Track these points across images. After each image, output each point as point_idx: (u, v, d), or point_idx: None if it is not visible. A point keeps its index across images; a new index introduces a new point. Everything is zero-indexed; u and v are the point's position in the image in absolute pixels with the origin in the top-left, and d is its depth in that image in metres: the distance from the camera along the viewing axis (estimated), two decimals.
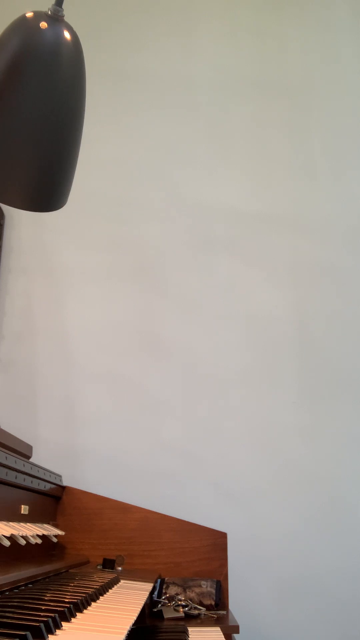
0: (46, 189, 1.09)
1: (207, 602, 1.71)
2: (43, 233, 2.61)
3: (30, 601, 0.91)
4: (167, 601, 1.70)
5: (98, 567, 1.73)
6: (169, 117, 2.78)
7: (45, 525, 1.73)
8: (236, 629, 1.51)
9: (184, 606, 1.66)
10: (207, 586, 1.75)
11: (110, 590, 1.26)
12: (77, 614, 0.90)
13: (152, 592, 1.68)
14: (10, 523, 1.36)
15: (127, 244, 2.62)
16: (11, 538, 1.23)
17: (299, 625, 2.30)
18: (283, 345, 2.56)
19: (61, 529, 1.87)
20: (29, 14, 1.02)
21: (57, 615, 0.80)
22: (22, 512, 1.53)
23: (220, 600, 1.77)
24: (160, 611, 1.63)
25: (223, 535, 1.95)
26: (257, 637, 2.27)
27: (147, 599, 1.36)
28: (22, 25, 1.01)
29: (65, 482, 2.03)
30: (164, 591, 1.74)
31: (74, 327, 2.52)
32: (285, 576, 2.33)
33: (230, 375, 2.51)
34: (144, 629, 1.39)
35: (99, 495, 2.00)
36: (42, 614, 0.81)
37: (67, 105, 1.05)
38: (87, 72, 1.08)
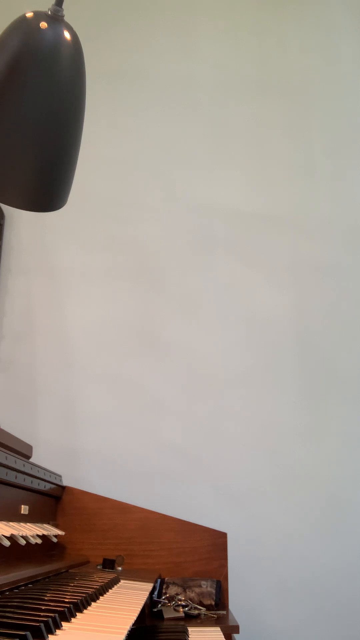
0: (46, 188, 1.09)
1: (207, 602, 1.71)
2: (43, 233, 2.61)
3: (30, 601, 0.91)
4: (167, 601, 1.70)
5: (98, 567, 1.73)
6: (169, 117, 2.78)
7: (45, 525, 1.73)
8: (236, 629, 1.51)
9: (184, 606, 1.66)
10: (207, 586, 1.75)
11: (110, 590, 1.26)
12: (77, 614, 0.90)
13: (152, 592, 1.68)
14: (10, 523, 1.36)
15: (127, 244, 2.62)
16: (11, 538, 1.23)
17: (299, 625, 2.30)
18: (283, 345, 2.56)
19: (61, 529, 1.87)
20: (29, 14, 1.02)
21: (57, 615, 0.80)
22: (22, 512, 1.53)
23: (220, 600, 1.77)
24: (160, 611, 1.63)
25: (223, 535, 1.95)
26: (257, 637, 2.27)
27: (147, 599, 1.36)
28: (22, 25, 1.01)
29: (65, 482, 2.03)
30: (164, 591, 1.74)
31: (74, 327, 2.52)
32: (285, 576, 2.33)
33: (230, 375, 2.51)
34: (144, 629, 1.39)
35: (99, 495, 2.00)
36: (42, 614, 0.81)
37: (67, 105, 1.05)
38: (87, 72, 1.08)
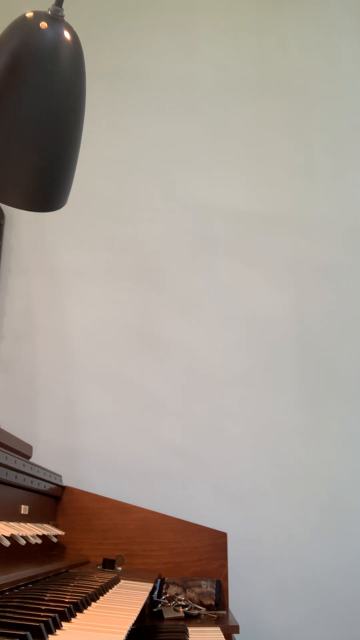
0: (46, 188, 1.09)
1: (207, 602, 1.71)
2: (43, 233, 2.61)
3: (30, 601, 0.91)
4: (167, 601, 1.70)
5: (98, 567, 1.73)
6: (169, 117, 2.78)
7: (45, 525, 1.73)
8: (236, 629, 1.51)
9: (184, 606, 1.66)
10: (207, 586, 1.75)
11: (110, 590, 1.26)
12: (77, 614, 0.90)
13: (152, 592, 1.68)
14: (10, 523, 1.36)
15: (127, 244, 2.62)
16: (11, 538, 1.23)
17: (299, 625, 2.30)
18: (283, 345, 2.56)
19: (61, 529, 1.87)
20: (29, 14, 1.02)
21: (57, 615, 0.80)
22: (22, 512, 1.53)
23: (220, 600, 1.77)
24: (160, 611, 1.62)
25: (223, 535, 1.95)
26: (257, 637, 2.27)
27: (147, 599, 1.36)
28: (22, 25, 1.01)
29: (65, 482, 2.03)
30: (164, 591, 1.74)
31: (74, 327, 2.52)
32: (285, 576, 2.33)
33: (230, 375, 2.51)
34: (144, 629, 1.39)
35: (99, 495, 2.00)
36: (42, 614, 0.81)
37: (67, 105, 1.05)
38: (87, 72, 1.08)
